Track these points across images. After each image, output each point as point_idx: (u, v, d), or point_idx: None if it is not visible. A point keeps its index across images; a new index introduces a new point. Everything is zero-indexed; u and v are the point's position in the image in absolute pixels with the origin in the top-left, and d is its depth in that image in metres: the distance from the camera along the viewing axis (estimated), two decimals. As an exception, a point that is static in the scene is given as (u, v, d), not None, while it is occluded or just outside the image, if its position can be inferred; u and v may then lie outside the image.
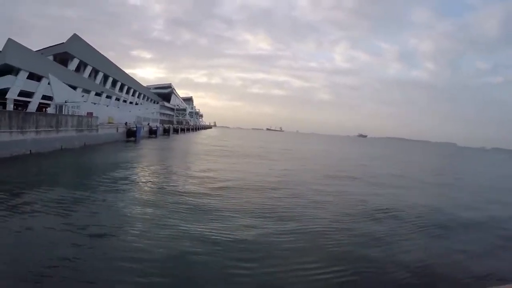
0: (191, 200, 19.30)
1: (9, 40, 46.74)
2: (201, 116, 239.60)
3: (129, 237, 12.57)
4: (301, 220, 16.64)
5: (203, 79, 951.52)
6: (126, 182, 24.07)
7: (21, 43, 49.61)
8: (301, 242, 13.42)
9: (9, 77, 48.17)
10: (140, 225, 14.15)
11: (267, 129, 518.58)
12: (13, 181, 20.70)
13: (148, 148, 57.06)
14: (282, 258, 11.65)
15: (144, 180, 25.78)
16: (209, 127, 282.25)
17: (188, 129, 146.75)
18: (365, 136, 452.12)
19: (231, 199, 20.63)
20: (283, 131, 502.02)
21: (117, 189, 21.28)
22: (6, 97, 47.19)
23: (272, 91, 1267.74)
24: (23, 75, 49.97)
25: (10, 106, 46.52)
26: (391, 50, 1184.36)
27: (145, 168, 32.17)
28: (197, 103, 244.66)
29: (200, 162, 40.27)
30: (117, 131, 64.39)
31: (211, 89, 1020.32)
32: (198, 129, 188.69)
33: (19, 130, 29.89)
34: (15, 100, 49.30)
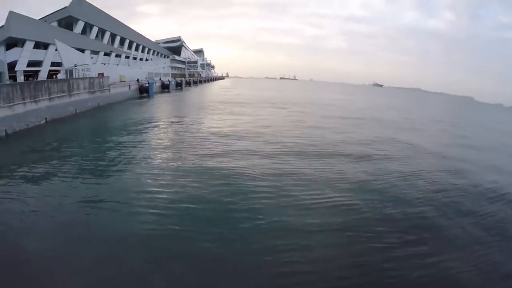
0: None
1: (11, 12, 47.04)
2: (213, 67, 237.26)
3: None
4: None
5: (214, 30, 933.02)
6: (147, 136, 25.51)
7: (24, 13, 49.96)
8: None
9: (15, 50, 49.04)
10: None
11: (281, 78, 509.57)
12: (39, 149, 22.25)
13: (162, 103, 58.35)
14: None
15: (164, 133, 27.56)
16: (222, 78, 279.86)
17: (200, 81, 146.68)
18: (381, 86, 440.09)
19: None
20: (296, 79, 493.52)
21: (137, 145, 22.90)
22: (15, 69, 48.15)
23: (284, 40, 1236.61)
24: (29, 45, 50.70)
25: (20, 78, 47.71)
26: None
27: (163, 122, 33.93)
28: (209, 55, 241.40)
29: (215, 113, 41.57)
30: (129, 88, 65.35)
31: (222, 40, 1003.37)
32: (211, 80, 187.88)
33: (32, 100, 31.01)
34: (24, 71, 50.34)
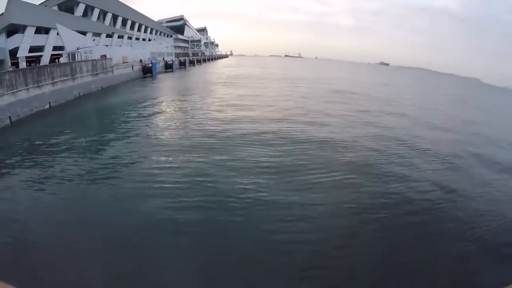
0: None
1: (10, -1, 47.08)
2: (217, 45, 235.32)
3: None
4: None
5: (218, 9, 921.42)
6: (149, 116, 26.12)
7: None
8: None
9: (16, 36, 49.17)
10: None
11: (285, 55, 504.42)
12: (44, 136, 22.91)
13: (165, 83, 58.77)
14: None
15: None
16: (226, 56, 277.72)
17: (204, 60, 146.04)
18: (387, 65, 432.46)
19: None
20: (301, 57, 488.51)
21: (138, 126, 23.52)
22: (17, 56, 48.48)
23: (290, 17, 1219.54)
24: (30, 31, 50.86)
25: (23, 64, 47.90)
26: None
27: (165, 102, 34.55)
28: (212, 33, 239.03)
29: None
30: (132, 69, 65.72)
31: (226, 18, 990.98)
32: (214, 59, 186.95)
33: (35, 85, 31.54)
34: (26, 57, 50.62)
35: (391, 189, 14.22)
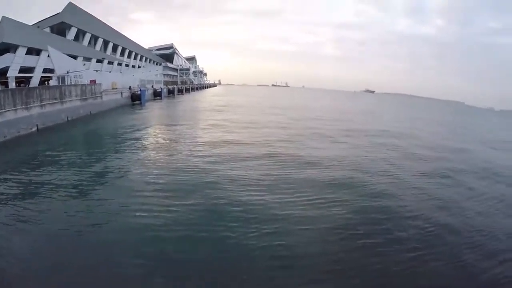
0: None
1: (4, 18, 46.92)
2: (205, 74, 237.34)
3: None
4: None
5: (207, 38, 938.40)
6: (137, 143, 25.33)
7: (16, 19, 49.74)
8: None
9: (7, 56, 48.74)
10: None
11: (272, 85, 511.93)
12: (31, 158, 22.01)
13: (153, 111, 58.19)
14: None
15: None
16: (214, 85, 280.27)
17: (193, 89, 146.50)
18: (373, 92, 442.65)
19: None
20: (288, 86, 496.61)
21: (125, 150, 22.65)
22: (7, 75, 47.81)
23: (277, 47, 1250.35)
24: (21, 51, 50.42)
25: (12, 84, 47.31)
26: (400, 4, 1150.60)
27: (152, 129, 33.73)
28: (201, 62, 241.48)
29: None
30: (121, 96, 64.98)
31: (215, 47, 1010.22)
32: (203, 88, 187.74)
33: (23, 106, 30.60)
34: (16, 77, 49.99)
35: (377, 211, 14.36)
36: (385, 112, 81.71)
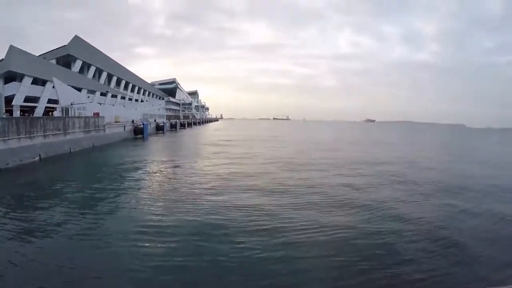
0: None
1: (11, 47, 47.06)
2: (207, 109, 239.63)
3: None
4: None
5: (208, 72, 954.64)
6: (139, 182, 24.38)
7: (23, 49, 49.95)
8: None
9: (13, 84, 48.71)
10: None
11: (274, 118, 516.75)
12: (33, 188, 21.03)
13: (155, 145, 57.42)
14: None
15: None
16: (216, 119, 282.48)
17: (195, 123, 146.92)
18: (373, 121, 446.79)
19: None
20: (290, 119, 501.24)
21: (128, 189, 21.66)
22: (12, 104, 47.64)
23: (277, 80, 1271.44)
24: (27, 80, 50.37)
25: (16, 113, 47.03)
26: (395, 33, 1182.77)
27: (156, 165, 32.58)
28: (203, 96, 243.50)
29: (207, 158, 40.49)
30: (124, 129, 64.61)
31: (216, 82, 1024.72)
32: (205, 122, 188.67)
33: (27, 135, 30.07)
34: (21, 106, 49.78)
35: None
36: (389, 141, 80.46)
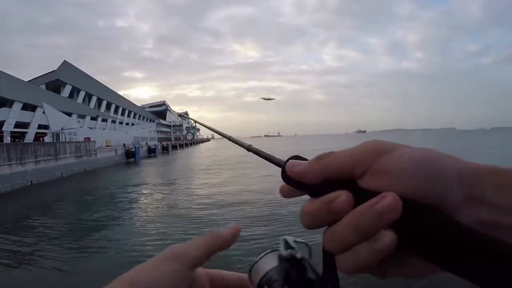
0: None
1: (0, 72, 46.79)
2: (198, 130, 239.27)
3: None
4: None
5: (197, 93, 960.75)
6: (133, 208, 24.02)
7: (12, 74, 49.79)
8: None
9: (3, 110, 48.24)
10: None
11: (265, 135, 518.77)
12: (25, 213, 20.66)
13: (148, 168, 56.86)
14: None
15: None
16: (208, 140, 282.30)
17: (186, 144, 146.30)
18: (364, 132, 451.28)
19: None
20: (281, 136, 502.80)
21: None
22: (2, 129, 47.17)
23: (267, 98, 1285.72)
24: (17, 106, 50.04)
25: (7, 139, 46.39)
26: (379, 44, 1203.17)
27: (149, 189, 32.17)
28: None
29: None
30: (116, 153, 63.91)
31: (206, 102, 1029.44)
32: (197, 143, 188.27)
33: (18, 162, 29.72)
34: (11, 132, 49.28)
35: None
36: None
